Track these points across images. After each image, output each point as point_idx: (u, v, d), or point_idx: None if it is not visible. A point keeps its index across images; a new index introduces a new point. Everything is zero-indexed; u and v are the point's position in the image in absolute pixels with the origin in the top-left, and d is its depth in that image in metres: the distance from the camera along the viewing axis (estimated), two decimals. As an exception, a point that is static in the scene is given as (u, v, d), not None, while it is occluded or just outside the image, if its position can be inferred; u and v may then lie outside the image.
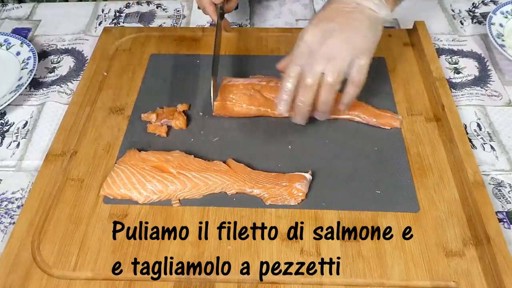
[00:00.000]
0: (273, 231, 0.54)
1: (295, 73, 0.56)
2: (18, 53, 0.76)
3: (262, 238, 0.53)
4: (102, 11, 0.89)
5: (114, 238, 0.53)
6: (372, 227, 0.54)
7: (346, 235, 0.53)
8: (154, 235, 0.53)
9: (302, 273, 0.50)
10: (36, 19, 0.87)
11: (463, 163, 0.58)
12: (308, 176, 0.57)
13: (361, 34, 0.55)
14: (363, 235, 0.53)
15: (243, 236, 0.53)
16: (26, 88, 0.71)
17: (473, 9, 0.87)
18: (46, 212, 0.56)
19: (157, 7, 0.90)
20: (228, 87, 0.65)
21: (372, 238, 0.53)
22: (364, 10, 0.56)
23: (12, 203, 0.59)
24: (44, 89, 0.74)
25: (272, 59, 0.74)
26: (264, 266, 0.51)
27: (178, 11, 0.89)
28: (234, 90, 0.64)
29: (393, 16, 0.58)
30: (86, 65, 0.75)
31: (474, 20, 0.85)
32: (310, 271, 0.50)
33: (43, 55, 0.80)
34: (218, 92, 0.64)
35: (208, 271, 0.50)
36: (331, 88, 0.55)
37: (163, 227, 0.54)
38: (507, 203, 0.58)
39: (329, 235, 0.53)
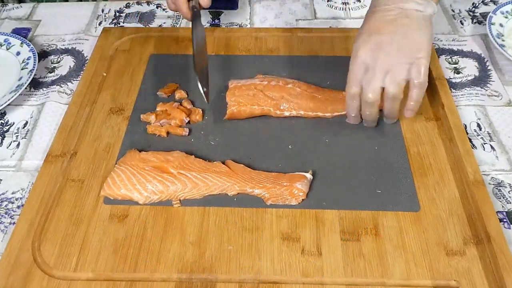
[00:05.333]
0: (274, 230, 0.54)
1: (355, 92, 0.58)
2: (18, 53, 0.76)
3: (263, 238, 0.53)
4: (102, 11, 0.89)
5: (115, 238, 0.53)
6: (373, 226, 0.54)
7: (347, 235, 0.53)
8: (155, 236, 0.53)
9: (303, 273, 0.50)
10: (36, 19, 0.87)
11: (463, 162, 0.58)
12: (308, 175, 0.57)
13: (411, 39, 0.55)
14: (364, 234, 0.53)
15: (243, 236, 0.53)
16: (26, 88, 0.71)
17: (473, 9, 0.87)
18: (46, 213, 0.56)
19: (157, 7, 0.90)
20: (236, 89, 0.65)
21: (373, 238, 0.53)
22: (408, 13, 0.56)
23: (12, 203, 0.59)
24: (44, 89, 0.74)
25: (272, 59, 0.75)
26: (265, 266, 0.51)
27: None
28: (242, 92, 0.65)
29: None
30: (86, 65, 0.75)
31: (474, 20, 0.85)
32: (311, 271, 0.50)
33: (43, 55, 0.80)
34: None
35: (209, 271, 0.50)
36: (394, 100, 0.57)
37: (163, 228, 0.54)
38: (507, 203, 0.58)
39: (329, 235, 0.53)
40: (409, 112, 0.59)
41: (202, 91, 0.60)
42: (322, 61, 0.74)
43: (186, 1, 0.67)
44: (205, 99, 0.60)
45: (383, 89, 0.57)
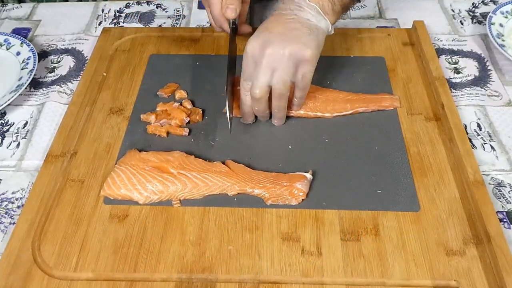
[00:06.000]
0: (274, 230, 0.54)
1: (248, 87, 0.58)
2: (18, 53, 0.76)
3: (263, 238, 0.53)
4: (102, 11, 0.89)
5: (115, 238, 0.53)
6: (373, 226, 0.54)
7: (347, 235, 0.53)
8: (155, 236, 0.53)
9: (303, 273, 0.50)
10: (36, 19, 0.87)
11: (463, 162, 0.58)
12: (308, 175, 0.57)
13: (300, 42, 0.55)
14: (364, 234, 0.53)
15: (243, 236, 0.53)
16: (26, 88, 0.71)
17: (473, 9, 0.87)
18: (46, 213, 0.55)
19: (157, 7, 0.90)
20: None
21: (373, 238, 0.53)
22: (301, 20, 0.57)
23: (12, 203, 0.59)
24: (44, 89, 0.74)
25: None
26: (265, 266, 0.51)
27: (178, 11, 0.89)
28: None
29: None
30: (86, 65, 0.75)
31: (474, 20, 0.85)
32: (311, 271, 0.50)
33: (43, 55, 0.80)
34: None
35: (209, 271, 0.50)
36: (280, 98, 0.58)
37: (163, 228, 0.54)
38: (507, 203, 0.58)
39: (329, 235, 0.53)
40: (294, 107, 0.63)
41: (228, 117, 0.59)
42: (322, 61, 0.73)
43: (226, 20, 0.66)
44: (230, 127, 0.60)
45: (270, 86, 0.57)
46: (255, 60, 0.56)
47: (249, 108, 0.61)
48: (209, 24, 0.85)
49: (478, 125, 0.67)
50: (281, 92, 0.57)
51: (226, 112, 0.60)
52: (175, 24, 0.86)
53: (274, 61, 0.55)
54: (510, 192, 0.59)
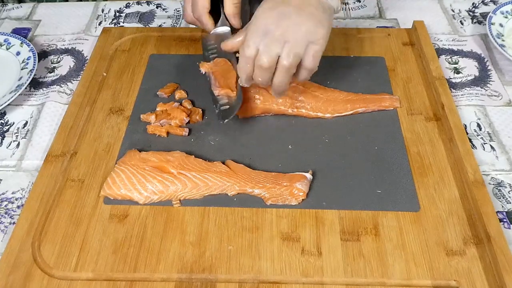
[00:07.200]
0: (274, 230, 0.54)
1: (252, 54, 0.55)
2: (18, 53, 0.76)
3: (263, 238, 0.53)
4: (102, 11, 0.89)
5: (115, 238, 0.53)
6: (373, 226, 0.54)
7: (347, 235, 0.53)
8: (155, 235, 0.53)
9: (303, 273, 0.50)
10: (36, 19, 0.87)
11: (463, 162, 0.58)
12: (308, 175, 0.57)
13: (316, 19, 0.55)
14: (364, 234, 0.53)
15: (243, 236, 0.53)
16: (26, 88, 0.71)
17: (473, 9, 0.87)
18: (46, 213, 0.55)
19: (157, 7, 0.90)
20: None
21: (373, 238, 0.53)
22: None
23: (12, 203, 0.59)
24: (44, 89, 0.74)
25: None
26: (265, 266, 0.51)
27: (178, 11, 0.89)
28: (250, 89, 0.64)
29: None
30: (86, 65, 0.75)
31: (474, 20, 0.85)
32: (311, 271, 0.50)
33: (43, 55, 0.80)
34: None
35: (209, 271, 0.50)
36: (287, 71, 0.55)
37: (163, 227, 0.54)
38: (507, 203, 0.58)
39: (329, 235, 0.53)
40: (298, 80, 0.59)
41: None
42: (322, 61, 0.73)
43: (208, 11, 0.63)
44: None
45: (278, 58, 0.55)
46: (267, 29, 0.54)
47: (249, 76, 0.58)
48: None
49: (478, 125, 0.67)
50: (290, 65, 0.54)
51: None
52: (175, 24, 0.86)
53: (289, 33, 0.54)
54: (510, 192, 0.59)
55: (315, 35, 0.54)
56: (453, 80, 0.74)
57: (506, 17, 0.80)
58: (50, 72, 0.77)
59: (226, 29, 0.66)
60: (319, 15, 0.55)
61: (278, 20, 0.54)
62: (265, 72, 0.56)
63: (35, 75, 0.74)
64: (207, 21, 0.63)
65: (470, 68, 0.76)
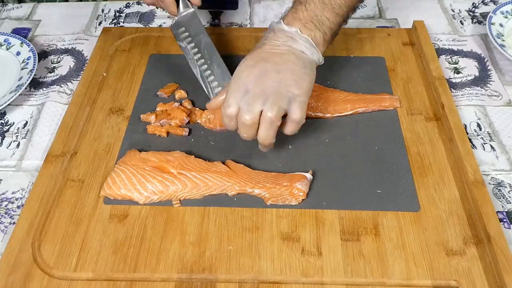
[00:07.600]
0: (274, 230, 0.54)
1: (233, 112, 0.54)
2: (18, 53, 0.76)
3: (263, 238, 0.53)
4: (102, 11, 0.89)
5: (115, 238, 0.53)
6: (373, 226, 0.54)
7: (347, 235, 0.53)
8: (155, 236, 0.53)
9: (303, 273, 0.50)
10: (36, 19, 0.87)
11: (463, 162, 0.58)
12: (308, 175, 0.57)
13: (295, 74, 0.54)
14: (364, 234, 0.53)
15: (243, 236, 0.53)
16: (26, 88, 0.71)
17: (473, 9, 0.87)
18: (46, 213, 0.55)
19: (157, 7, 0.90)
20: None
21: (373, 238, 0.53)
22: (296, 52, 0.56)
23: (12, 203, 0.59)
24: (44, 89, 0.74)
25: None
26: (265, 266, 0.51)
27: (178, 11, 0.89)
28: None
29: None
30: (86, 65, 0.75)
31: (474, 20, 0.85)
32: (311, 271, 0.50)
33: (43, 55, 0.80)
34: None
35: (209, 271, 0.50)
36: (271, 124, 0.54)
37: (163, 228, 0.54)
38: (507, 203, 0.58)
39: (329, 235, 0.53)
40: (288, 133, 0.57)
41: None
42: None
43: None
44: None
45: (260, 113, 0.54)
46: (247, 88, 0.54)
47: (235, 131, 0.57)
48: (209, 24, 0.85)
49: (478, 125, 0.67)
50: (274, 117, 0.53)
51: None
52: (175, 24, 0.86)
53: (270, 91, 0.53)
54: (510, 192, 0.59)
55: (296, 90, 0.54)
56: (453, 80, 0.74)
57: (506, 17, 0.80)
58: (50, 72, 0.77)
59: (191, 10, 0.68)
60: (299, 70, 0.55)
61: (258, 78, 0.54)
62: (249, 128, 0.55)
63: (35, 75, 0.74)
64: (170, 1, 0.66)
65: (470, 68, 0.76)
